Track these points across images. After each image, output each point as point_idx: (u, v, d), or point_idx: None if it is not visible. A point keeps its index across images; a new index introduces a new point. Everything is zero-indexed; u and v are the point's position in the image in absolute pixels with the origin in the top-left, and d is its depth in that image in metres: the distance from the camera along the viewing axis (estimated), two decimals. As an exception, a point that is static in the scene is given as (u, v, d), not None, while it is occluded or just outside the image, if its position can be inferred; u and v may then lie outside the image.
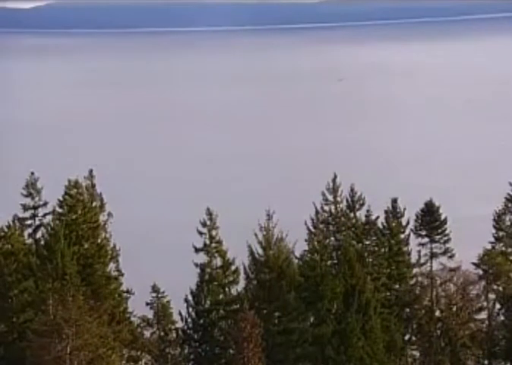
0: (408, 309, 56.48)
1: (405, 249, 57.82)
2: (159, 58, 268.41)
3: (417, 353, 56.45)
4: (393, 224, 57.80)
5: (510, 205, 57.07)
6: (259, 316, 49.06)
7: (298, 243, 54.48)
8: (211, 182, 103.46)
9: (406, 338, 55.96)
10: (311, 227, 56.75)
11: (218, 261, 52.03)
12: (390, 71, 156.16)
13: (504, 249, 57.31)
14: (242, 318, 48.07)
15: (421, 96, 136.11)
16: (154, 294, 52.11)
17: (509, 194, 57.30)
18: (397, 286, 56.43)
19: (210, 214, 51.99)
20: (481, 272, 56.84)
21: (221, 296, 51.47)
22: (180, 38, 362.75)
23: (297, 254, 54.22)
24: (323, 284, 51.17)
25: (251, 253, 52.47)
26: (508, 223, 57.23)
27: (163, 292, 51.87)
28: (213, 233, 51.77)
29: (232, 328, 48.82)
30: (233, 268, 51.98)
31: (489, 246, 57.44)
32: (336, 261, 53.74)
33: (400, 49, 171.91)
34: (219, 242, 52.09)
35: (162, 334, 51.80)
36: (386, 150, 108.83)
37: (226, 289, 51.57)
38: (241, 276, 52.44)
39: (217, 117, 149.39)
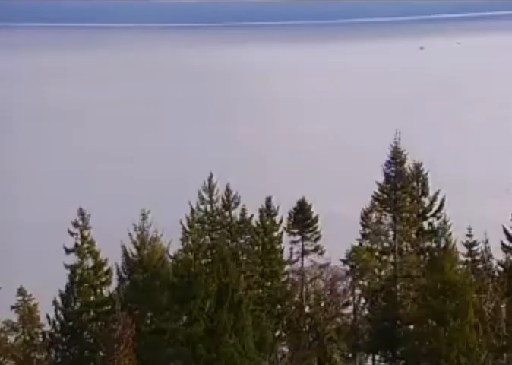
0: (279, 306, 55.01)
1: (278, 246, 56.23)
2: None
3: (286, 349, 56.50)
4: (267, 223, 57.33)
5: (375, 203, 57.75)
6: (131, 317, 46.66)
7: (173, 242, 53.63)
8: (85, 180, 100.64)
9: (277, 334, 54.48)
10: (186, 226, 55.99)
11: (90, 262, 49.46)
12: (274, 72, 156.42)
13: (369, 245, 57.25)
14: (114, 319, 46.48)
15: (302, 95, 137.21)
16: (20, 297, 49.52)
17: (375, 192, 57.96)
18: (269, 283, 54.86)
19: (82, 213, 49.27)
20: (348, 268, 57.24)
21: (92, 298, 48.88)
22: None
23: (172, 253, 53.40)
24: (197, 283, 50.01)
25: (125, 253, 50.19)
26: (374, 221, 57.94)
27: (30, 294, 49.99)
28: (85, 233, 49.26)
29: (102, 329, 47.54)
30: (105, 268, 49.48)
31: (356, 243, 58.20)
32: (210, 260, 53.05)
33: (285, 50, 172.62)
34: (92, 242, 49.44)
35: (27, 338, 48.69)
36: (260, 150, 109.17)
37: (98, 290, 49.02)
38: (114, 277, 50.12)
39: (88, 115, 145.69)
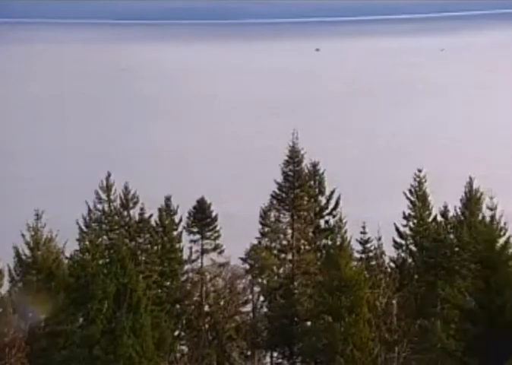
0: (178, 305, 53.74)
1: (177, 245, 55.01)
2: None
3: (186, 348, 55.51)
4: (166, 222, 56.27)
5: (274, 202, 57.44)
6: (24, 320, 46.33)
7: (69, 243, 51.92)
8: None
9: (176, 333, 53.29)
10: (83, 226, 54.35)
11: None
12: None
13: (268, 243, 56.59)
14: (5, 322, 44.86)
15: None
16: None
17: (274, 191, 57.60)
18: (169, 283, 53.68)
19: (-28, 214, 48.16)
20: (247, 266, 56.03)
21: (-18, 301, 47.75)
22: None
23: (68, 254, 51.70)
24: (94, 284, 48.48)
25: (17, 254, 48.07)
26: (272, 219, 57.65)
27: None
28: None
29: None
30: (-4, 271, 48.13)
31: (255, 241, 57.70)
32: (108, 260, 51.61)
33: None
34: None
35: None
36: (158, 149, 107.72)
37: (-12, 293, 47.96)
38: (6, 279, 48.14)
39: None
